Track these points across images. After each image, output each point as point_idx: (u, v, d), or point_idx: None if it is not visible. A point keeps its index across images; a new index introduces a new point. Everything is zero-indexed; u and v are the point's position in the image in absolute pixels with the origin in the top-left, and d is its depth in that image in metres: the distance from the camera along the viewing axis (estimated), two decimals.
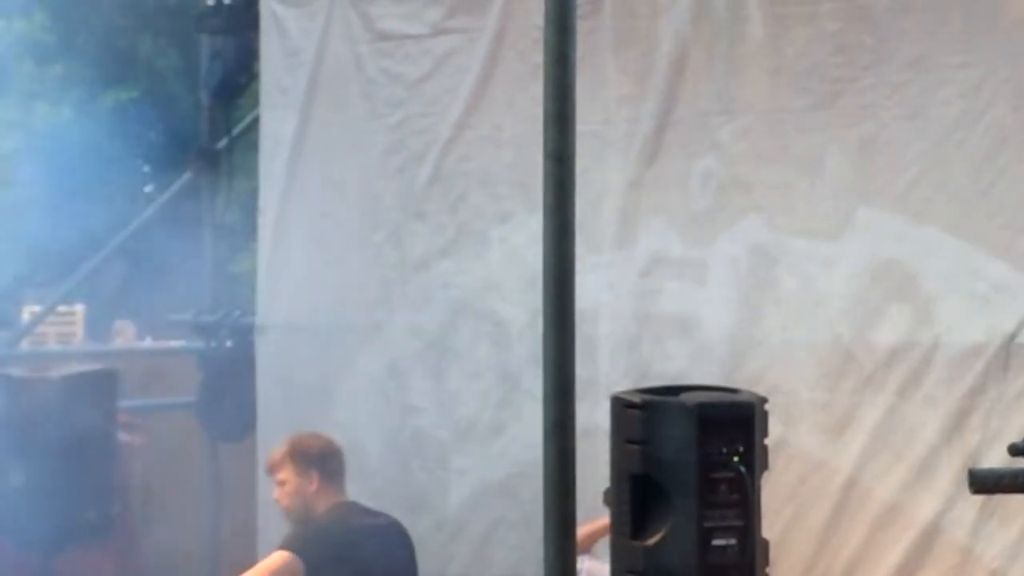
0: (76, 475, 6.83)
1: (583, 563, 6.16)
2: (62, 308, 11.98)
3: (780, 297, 6.38)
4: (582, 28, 6.48)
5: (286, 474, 6.42)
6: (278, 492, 6.47)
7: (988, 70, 5.90)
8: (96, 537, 6.98)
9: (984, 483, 4.39)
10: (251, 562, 7.43)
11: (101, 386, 7.12)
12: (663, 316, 6.67)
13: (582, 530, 5.75)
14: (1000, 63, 5.88)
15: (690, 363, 6.51)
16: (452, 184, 7.41)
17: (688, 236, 6.59)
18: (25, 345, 9.55)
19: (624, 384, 6.21)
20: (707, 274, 6.53)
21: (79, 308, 14.05)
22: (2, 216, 11.90)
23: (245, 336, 8.33)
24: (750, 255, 6.45)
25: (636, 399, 4.73)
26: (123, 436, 7.40)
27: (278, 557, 6.18)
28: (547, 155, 4.08)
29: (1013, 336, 5.85)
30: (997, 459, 5.25)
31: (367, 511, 6.47)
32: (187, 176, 8.95)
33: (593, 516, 5.40)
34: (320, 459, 6.38)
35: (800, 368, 6.31)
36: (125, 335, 12.35)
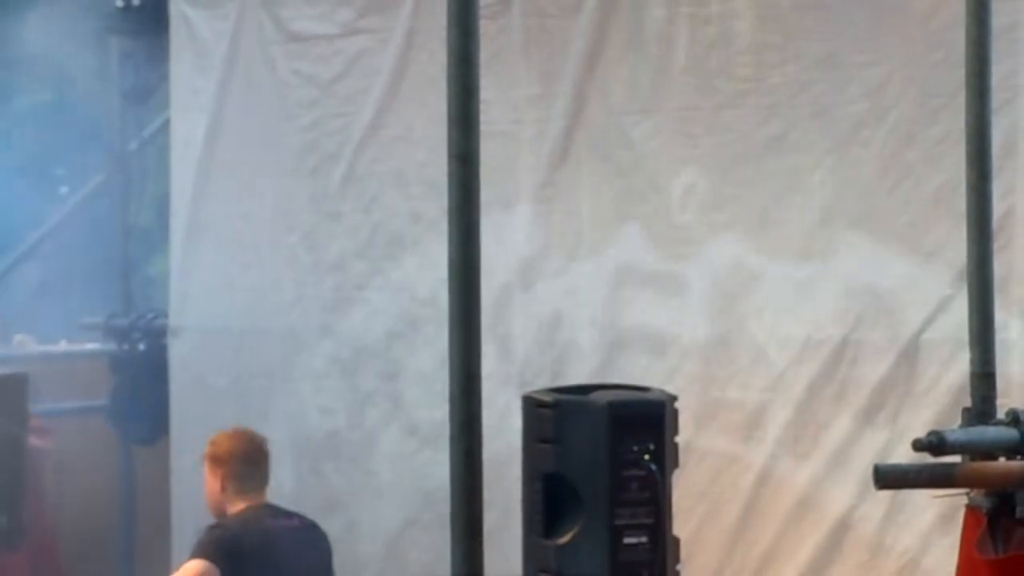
0: None
1: None
2: None
3: (695, 294, 6.42)
4: (491, 28, 6.54)
5: (205, 473, 6.43)
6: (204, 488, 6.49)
7: (893, 69, 5.96)
8: (7, 544, 6.92)
9: (890, 479, 4.43)
10: (165, 566, 7.40)
11: (11, 390, 7.06)
12: (573, 315, 6.69)
13: None
14: (905, 62, 5.93)
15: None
16: (366, 185, 7.41)
17: (622, 219, 6.62)
18: None
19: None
20: (639, 260, 6.54)
21: None
22: None
23: (158, 339, 8.28)
24: (671, 248, 6.48)
25: (547, 398, 4.75)
26: (34, 441, 7.33)
27: (193, 566, 6.16)
28: (451, 156, 4.09)
29: (920, 332, 5.91)
30: (906, 455, 5.30)
31: (281, 512, 6.46)
32: (100, 178, 8.90)
33: (510, 515, 5.39)
34: (227, 461, 6.36)
35: (710, 365, 6.35)
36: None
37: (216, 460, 6.36)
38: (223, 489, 6.33)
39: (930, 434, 4.30)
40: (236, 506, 6.33)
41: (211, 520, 6.42)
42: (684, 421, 4.91)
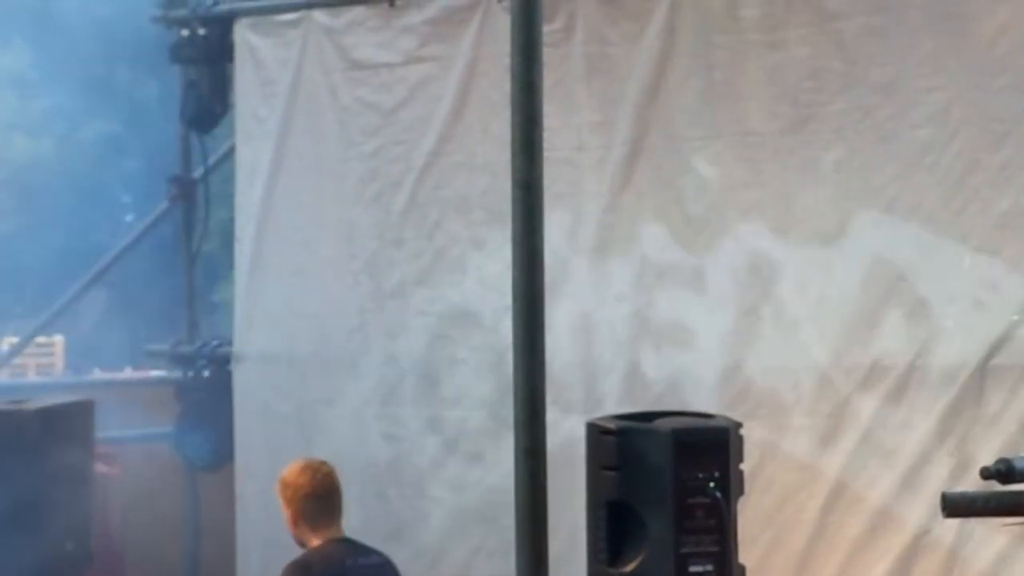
0: (54, 507, 6.82)
1: None
2: (41, 339, 11.97)
3: (763, 321, 6.39)
4: (554, 56, 6.55)
5: (282, 505, 6.39)
6: None
7: (957, 94, 5.94)
8: (74, 569, 6.96)
9: (957, 507, 4.39)
10: None
11: (78, 418, 7.10)
12: (656, 329, 6.67)
13: None
14: (968, 87, 5.91)
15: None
16: (427, 211, 7.43)
17: (685, 245, 6.61)
18: (4, 377, 9.52)
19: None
20: (702, 286, 6.54)
21: (58, 339, 14.04)
22: None
23: (223, 366, 8.31)
24: (735, 274, 6.47)
25: (611, 425, 4.75)
26: (101, 467, 7.37)
27: None
28: (515, 183, 4.11)
29: (987, 358, 5.87)
30: (974, 482, 5.27)
31: (359, 549, 6.40)
32: (164, 206, 8.95)
33: (575, 538, 5.39)
34: (294, 500, 6.33)
35: (779, 392, 6.33)
36: None
37: (287, 495, 6.32)
38: (295, 524, 6.30)
39: (998, 462, 4.26)
40: (315, 540, 6.29)
41: (277, 545, 6.41)
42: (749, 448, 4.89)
